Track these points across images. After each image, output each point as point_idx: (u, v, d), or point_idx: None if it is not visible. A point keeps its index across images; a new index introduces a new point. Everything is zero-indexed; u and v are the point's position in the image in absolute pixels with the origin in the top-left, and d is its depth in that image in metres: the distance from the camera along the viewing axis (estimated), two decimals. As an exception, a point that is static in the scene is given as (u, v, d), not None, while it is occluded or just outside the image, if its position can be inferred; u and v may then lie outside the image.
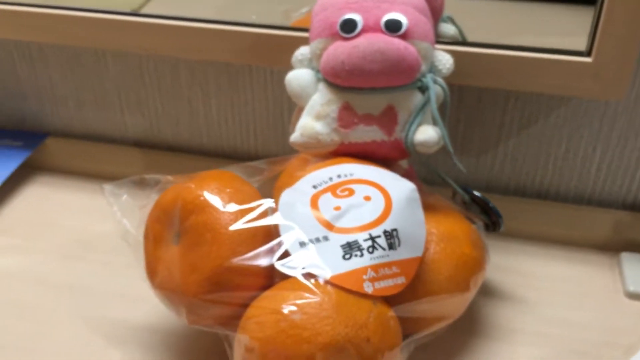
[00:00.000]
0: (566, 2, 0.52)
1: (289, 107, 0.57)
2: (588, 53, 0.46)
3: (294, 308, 0.34)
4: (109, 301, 0.48)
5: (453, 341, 0.45)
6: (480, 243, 0.44)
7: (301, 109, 0.44)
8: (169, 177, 0.41)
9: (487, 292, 0.50)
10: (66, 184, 0.61)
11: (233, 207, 0.38)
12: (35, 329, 0.46)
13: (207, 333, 0.41)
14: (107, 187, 0.41)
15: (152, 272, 0.40)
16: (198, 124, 0.61)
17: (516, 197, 0.57)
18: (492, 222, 0.47)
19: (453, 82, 0.49)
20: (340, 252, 0.36)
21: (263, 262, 0.36)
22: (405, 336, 0.38)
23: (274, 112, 0.58)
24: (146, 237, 0.40)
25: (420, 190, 0.41)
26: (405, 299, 0.38)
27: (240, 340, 0.35)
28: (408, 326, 0.38)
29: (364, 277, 0.36)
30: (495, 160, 0.56)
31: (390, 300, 0.37)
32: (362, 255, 0.36)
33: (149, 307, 0.47)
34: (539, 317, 0.47)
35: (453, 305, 0.41)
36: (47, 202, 0.59)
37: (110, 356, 0.43)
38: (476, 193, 0.46)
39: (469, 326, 0.46)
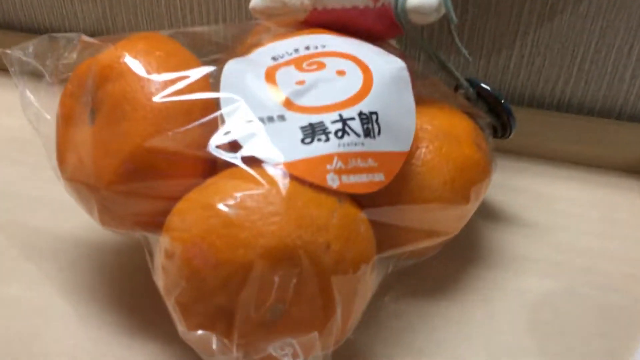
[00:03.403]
0: None
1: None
2: None
3: (230, 201, 0.25)
4: (33, 208, 0.40)
5: (446, 266, 0.36)
6: (485, 145, 0.35)
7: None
8: (87, 39, 0.31)
9: (490, 213, 0.41)
10: (4, 82, 0.52)
11: (162, 75, 0.29)
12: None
13: (139, 250, 0.33)
14: (14, 52, 0.32)
15: (62, 160, 0.31)
16: (159, 13, 0.51)
17: (531, 108, 0.48)
18: (501, 124, 0.38)
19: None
20: (299, 135, 0.28)
21: (196, 143, 0.28)
22: (382, 250, 0.30)
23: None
24: (59, 117, 0.32)
25: (412, 72, 0.32)
26: (383, 202, 0.29)
27: (161, 244, 0.27)
28: (386, 237, 0.29)
29: (328, 167, 0.27)
30: (508, 63, 0.46)
31: (362, 202, 0.28)
32: (327, 139, 0.27)
33: (78, 218, 0.39)
34: (550, 244, 0.39)
35: (447, 219, 0.33)
36: (-21, 98, 0.50)
37: (22, 268, 0.35)
38: (484, 85, 0.37)
39: (466, 250, 0.38)
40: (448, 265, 0.37)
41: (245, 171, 0.26)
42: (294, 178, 0.26)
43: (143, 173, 0.28)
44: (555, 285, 0.36)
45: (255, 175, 0.26)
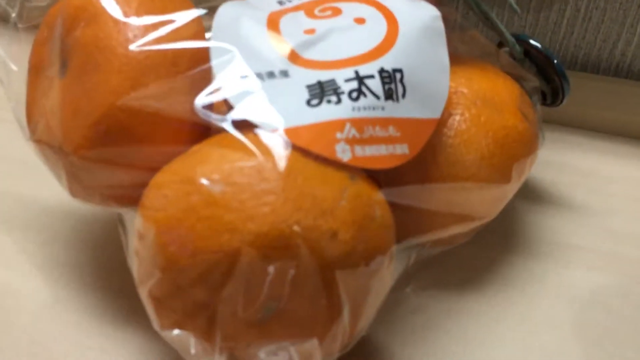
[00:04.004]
0: None
1: None
2: None
3: (215, 175, 0.21)
4: (17, 174, 0.36)
5: (478, 255, 0.32)
6: (532, 114, 0.29)
7: None
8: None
9: (532, 194, 0.36)
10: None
11: (143, 17, 0.24)
12: None
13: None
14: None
15: (30, 118, 0.27)
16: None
17: (585, 72, 0.42)
18: (551, 89, 0.32)
19: None
20: (305, 95, 0.22)
21: (181, 102, 0.23)
22: (403, 238, 0.25)
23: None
24: (30, 69, 0.27)
25: (448, 23, 0.27)
26: (406, 180, 0.24)
27: (135, 224, 0.22)
28: (409, 223, 0.24)
29: (339, 135, 0.22)
30: (561, 19, 0.40)
31: (380, 179, 0.23)
32: (338, 101, 0.22)
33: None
34: (603, 231, 0.33)
35: (483, 201, 0.28)
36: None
37: (-2, 241, 0.32)
38: (533, 42, 0.31)
39: (502, 237, 0.33)
40: (480, 253, 0.32)
41: (236, 138, 0.21)
42: (295, 148, 0.21)
43: (117, 137, 0.23)
44: (607, 279, 0.31)
45: (247, 144, 0.21)
